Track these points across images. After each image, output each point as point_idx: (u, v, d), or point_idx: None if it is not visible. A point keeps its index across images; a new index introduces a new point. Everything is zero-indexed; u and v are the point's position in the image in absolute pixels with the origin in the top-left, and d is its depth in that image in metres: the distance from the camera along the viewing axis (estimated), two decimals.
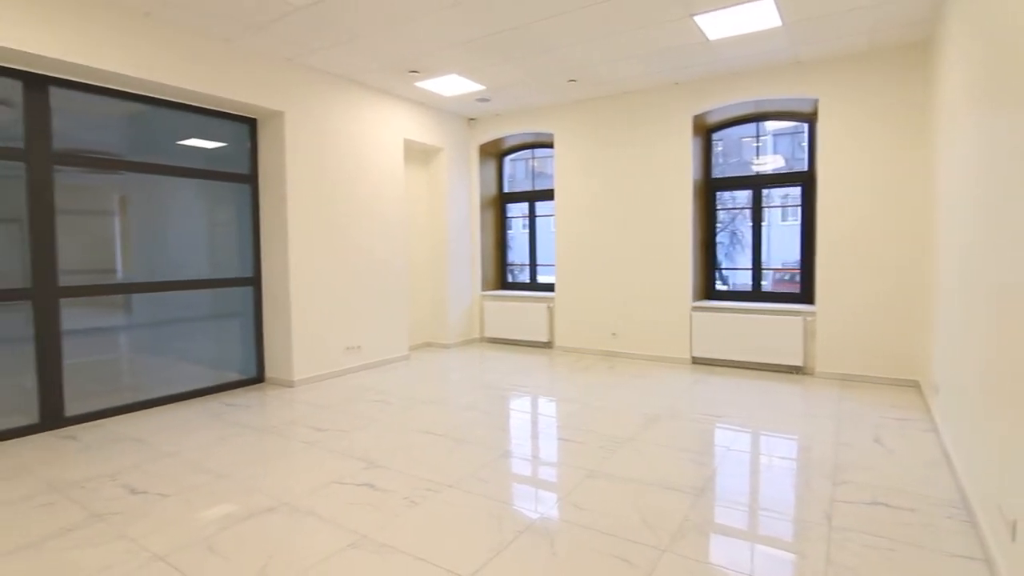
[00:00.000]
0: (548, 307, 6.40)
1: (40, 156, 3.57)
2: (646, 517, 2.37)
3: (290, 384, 4.74)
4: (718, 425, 3.63)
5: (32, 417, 3.57)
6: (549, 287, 6.71)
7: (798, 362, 4.94)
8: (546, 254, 6.76)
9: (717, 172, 5.82)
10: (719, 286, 5.93)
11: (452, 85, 5.39)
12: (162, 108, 4.20)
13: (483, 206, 6.99)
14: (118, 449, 3.27)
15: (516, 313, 6.61)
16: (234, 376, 4.77)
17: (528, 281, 7.04)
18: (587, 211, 6.10)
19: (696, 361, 5.49)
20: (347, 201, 5.22)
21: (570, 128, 6.15)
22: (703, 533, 2.25)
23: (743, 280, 6.05)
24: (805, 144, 5.40)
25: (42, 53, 3.28)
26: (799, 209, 5.32)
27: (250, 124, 4.80)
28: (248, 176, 4.82)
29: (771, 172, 5.93)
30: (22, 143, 3.50)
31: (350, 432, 3.54)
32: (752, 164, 6.46)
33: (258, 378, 4.91)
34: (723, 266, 6.15)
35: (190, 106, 4.34)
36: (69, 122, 3.73)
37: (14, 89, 3.47)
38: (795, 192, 5.40)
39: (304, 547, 2.16)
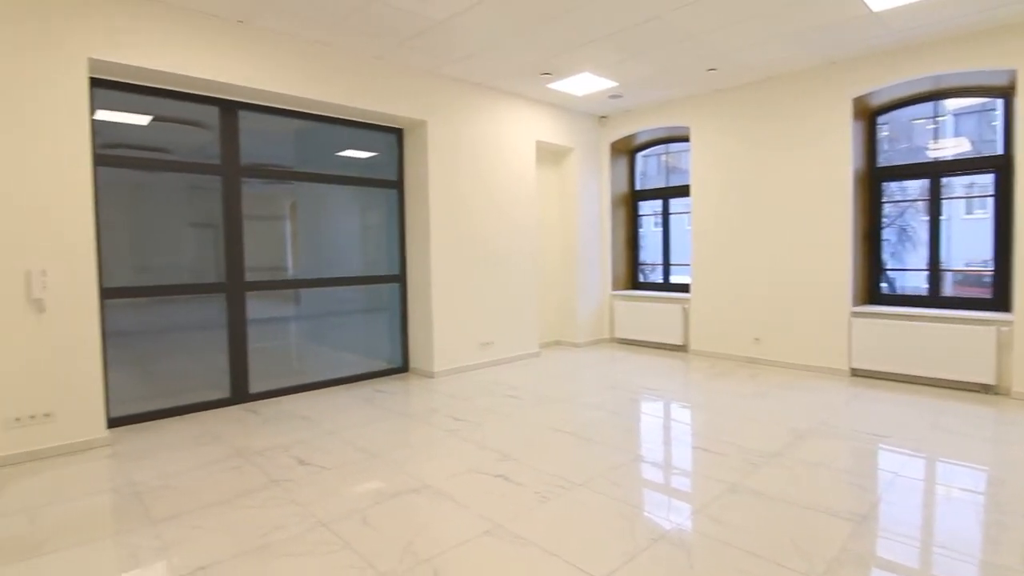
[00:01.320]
0: (683, 308, 6.14)
1: (231, 170, 4.19)
2: (796, 541, 2.18)
3: (431, 375, 5.07)
4: (883, 447, 3.23)
5: (225, 392, 4.21)
6: (683, 287, 6.43)
7: (988, 380, 4.22)
8: (680, 253, 6.49)
9: (883, 160, 5.16)
10: (884, 289, 5.25)
11: (584, 84, 5.39)
12: (324, 123, 4.70)
13: (614, 204, 6.89)
14: (289, 424, 3.74)
15: (648, 314, 6.43)
16: (382, 365, 5.21)
17: (661, 281, 6.81)
18: (727, 207, 5.75)
19: (856, 373, 4.93)
20: (482, 203, 5.45)
21: (708, 120, 5.84)
22: (865, 566, 2.01)
23: (915, 283, 5.31)
24: (998, 123, 4.59)
25: (235, 82, 3.84)
26: (990, 200, 4.54)
27: (397, 134, 5.21)
28: (395, 182, 5.23)
29: (953, 158, 5.11)
30: (218, 159, 4.13)
31: (484, 424, 3.70)
32: (927, 149, 5.63)
33: (403, 368, 5.31)
34: (889, 267, 5.43)
35: (347, 120, 4.81)
36: (252, 140, 4.33)
37: (212, 114, 4.10)
38: (985, 180, 4.61)
39: (444, 529, 2.30)
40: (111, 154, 3.68)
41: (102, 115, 3.64)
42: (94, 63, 3.34)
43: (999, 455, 3.05)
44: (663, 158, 7.12)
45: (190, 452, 3.23)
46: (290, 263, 4.74)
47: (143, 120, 3.86)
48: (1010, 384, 4.17)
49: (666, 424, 3.76)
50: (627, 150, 7.01)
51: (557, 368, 5.46)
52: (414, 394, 4.54)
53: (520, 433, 3.51)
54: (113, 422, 3.63)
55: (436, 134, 5.04)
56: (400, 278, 5.30)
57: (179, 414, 3.95)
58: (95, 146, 3.48)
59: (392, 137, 5.20)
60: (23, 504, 2.58)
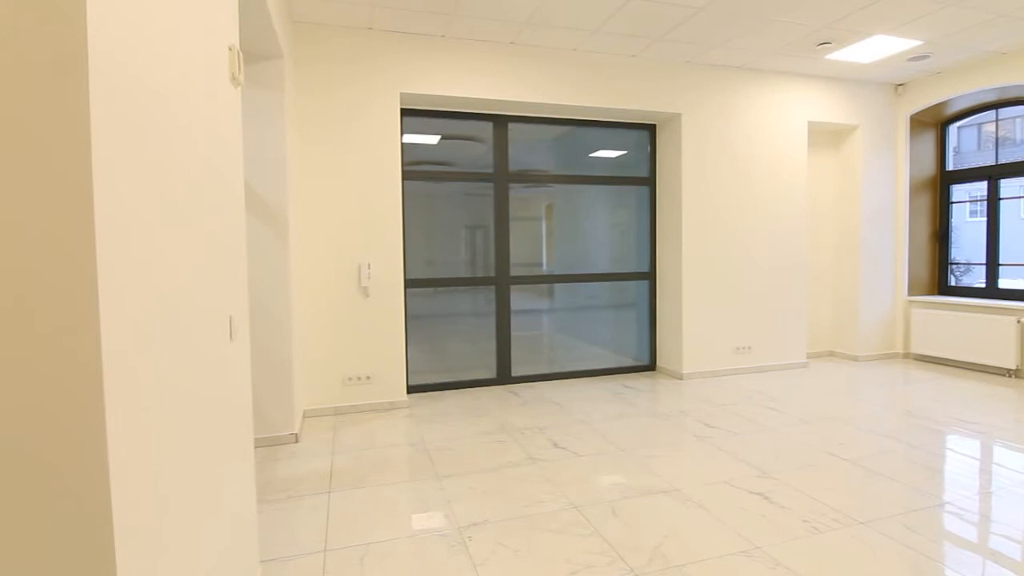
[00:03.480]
0: (1018, 321, 4.74)
1: (501, 177, 4.69)
2: None
3: (679, 376, 4.92)
4: None
5: (491, 373, 4.77)
6: (1018, 294, 4.96)
7: None
8: (1013, 250, 5.01)
9: None
10: None
11: (875, 48, 4.54)
12: (577, 127, 4.93)
13: (913, 190, 5.67)
14: (544, 408, 4.05)
15: (962, 326, 5.14)
16: (629, 361, 5.26)
17: (982, 285, 5.37)
18: None
19: None
20: (740, 196, 5.05)
21: None
22: None
23: None
24: None
25: (506, 98, 4.30)
26: None
27: (649, 130, 5.16)
28: (647, 179, 5.20)
29: None
30: (490, 168, 4.68)
31: (741, 435, 3.44)
32: None
33: (650, 366, 5.27)
34: None
35: (601, 121, 4.95)
36: (516, 148, 4.78)
37: (486, 128, 4.66)
38: None
39: (696, 538, 2.22)
40: (413, 170, 4.48)
41: (407, 138, 4.45)
42: (404, 96, 4.11)
43: None
44: (988, 128, 5.58)
45: (466, 422, 3.75)
46: (545, 259, 5.11)
47: (434, 139, 4.59)
48: None
49: (985, 467, 2.96)
50: (934, 122, 5.69)
51: (830, 383, 4.76)
52: (662, 393, 4.47)
53: (783, 451, 3.17)
54: (410, 389, 4.44)
55: (690, 126, 4.84)
56: (650, 275, 5.26)
57: (456, 388, 4.62)
58: (402, 163, 4.28)
59: (644, 134, 5.18)
60: (352, 445, 3.33)
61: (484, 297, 4.78)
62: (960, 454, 3.13)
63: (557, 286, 5.12)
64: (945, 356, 5.28)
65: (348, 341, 3.99)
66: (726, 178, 4.99)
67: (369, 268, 3.99)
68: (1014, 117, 5.21)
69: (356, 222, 3.97)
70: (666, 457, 3.10)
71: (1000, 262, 5.23)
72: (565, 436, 3.44)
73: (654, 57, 4.67)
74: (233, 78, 1.73)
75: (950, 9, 3.84)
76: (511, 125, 4.70)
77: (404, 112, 4.35)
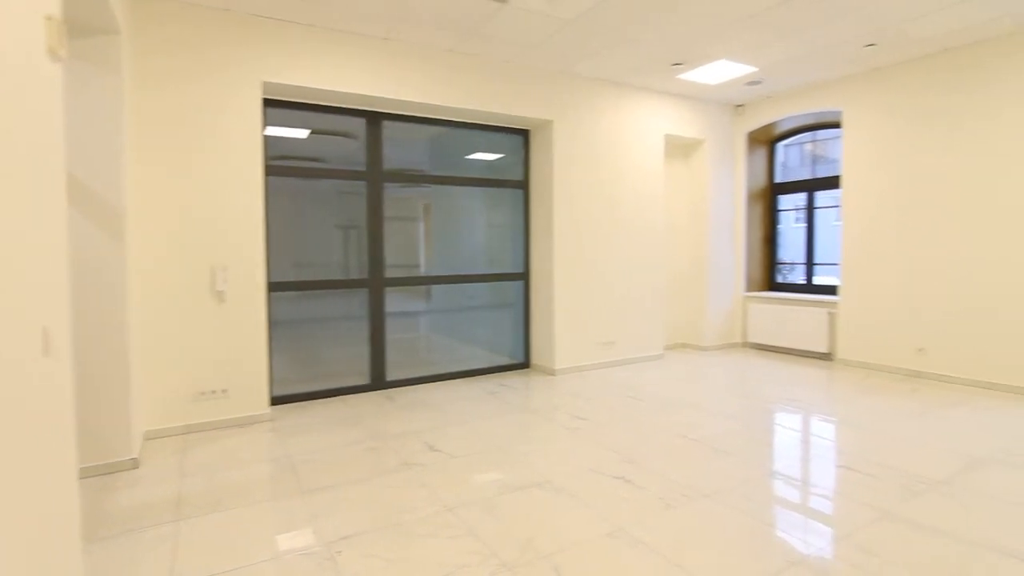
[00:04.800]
0: (828, 312, 5.57)
1: (375, 175, 4.55)
2: None
3: (552, 372, 5.12)
4: None
5: (365, 379, 4.60)
6: (829, 289, 5.83)
7: None
8: (825, 251, 5.89)
9: None
10: None
11: (719, 72, 5.08)
12: (456, 128, 4.94)
13: (750, 199, 6.43)
14: (420, 412, 3.99)
15: (787, 318, 5.92)
16: (505, 360, 5.37)
17: (802, 282, 6.24)
18: (887, 198, 5.10)
19: None
20: (607, 200, 5.38)
21: (864, 102, 5.22)
22: None
23: None
24: None
25: (381, 94, 4.18)
26: None
27: (524, 135, 5.32)
28: (522, 182, 5.35)
29: None
30: (364, 166, 4.52)
31: (606, 425, 3.66)
32: None
33: (525, 364, 5.43)
34: None
35: (477, 124, 5.01)
36: (392, 147, 4.67)
37: (359, 125, 4.49)
38: None
39: (566, 526, 2.32)
40: (278, 165, 4.19)
41: (271, 131, 4.15)
42: (267, 85, 3.83)
43: None
44: (808, 147, 6.51)
45: (336, 432, 3.58)
46: (422, 260, 5.05)
47: (303, 133, 4.33)
48: None
49: (806, 439, 3.44)
50: (766, 140, 6.50)
51: (683, 372, 5.23)
52: (536, 390, 4.62)
53: (644, 437, 3.42)
54: (274, 400, 4.14)
55: (562, 133, 5.07)
56: (524, 276, 5.41)
57: (326, 396, 4.39)
58: (266, 158, 3.98)
59: (519, 138, 5.32)
60: (204, 466, 3.03)
61: (358, 300, 4.60)
62: (786, 428, 3.60)
63: (435, 287, 5.09)
64: (774, 344, 6.05)
65: (200, 352, 3.62)
66: (594, 184, 5.29)
67: (225, 271, 3.66)
68: (827, 139, 6.11)
69: (210, 221, 3.62)
70: (539, 451, 3.21)
71: (816, 262, 6.11)
72: (441, 439, 3.43)
73: (527, 64, 4.82)
74: (52, 52, 1.50)
75: (775, 43, 4.41)
76: (386, 123, 4.58)
77: (268, 103, 4.05)
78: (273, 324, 4.15)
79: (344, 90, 4.05)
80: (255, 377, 3.79)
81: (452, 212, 5.20)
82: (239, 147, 3.70)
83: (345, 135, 4.50)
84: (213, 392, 3.66)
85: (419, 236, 5.05)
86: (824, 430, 3.57)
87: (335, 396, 4.42)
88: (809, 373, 5.11)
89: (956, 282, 4.63)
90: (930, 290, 4.80)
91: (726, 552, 2.11)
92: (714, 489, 2.66)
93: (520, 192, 5.37)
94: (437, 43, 4.31)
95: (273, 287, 4.13)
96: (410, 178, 4.84)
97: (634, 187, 5.56)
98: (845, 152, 5.42)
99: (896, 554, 2.08)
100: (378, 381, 4.63)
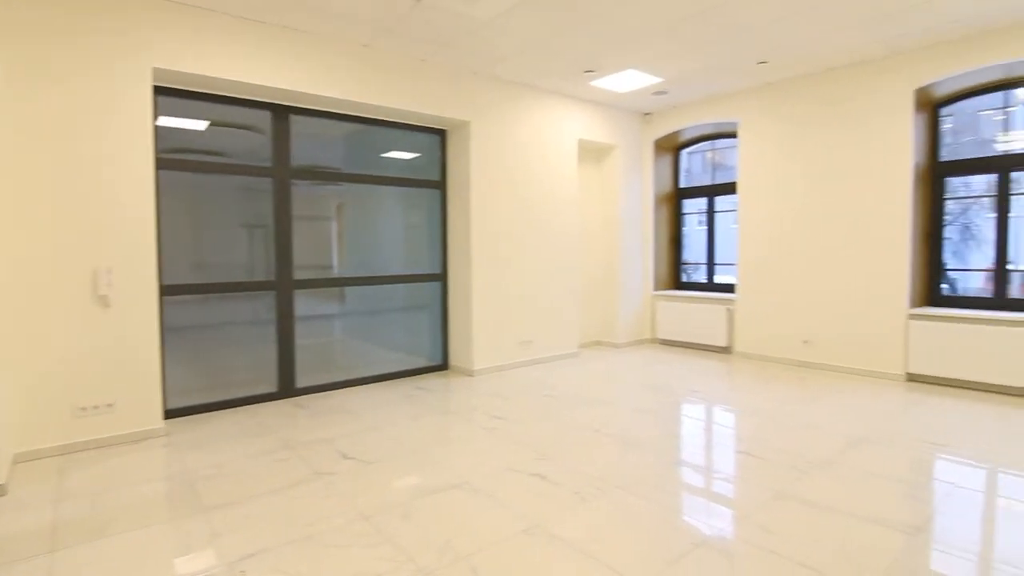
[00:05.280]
0: (727, 309, 5.98)
1: (282, 172, 4.33)
2: (845, 550, 2.09)
3: (470, 373, 5.11)
4: (941, 456, 3.06)
5: (273, 386, 4.36)
6: (728, 287, 6.26)
7: None
8: (725, 252, 6.32)
9: (946, 154, 4.89)
10: (945, 290, 4.97)
11: (628, 81, 5.31)
12: (371, 126, 4.81)
13: (657, 203, 6.78)
14: (333, 419, 3.84)
15: (691, 314, 6.29)
16: (423, 362, 5.29)
17: (705, 281, 6.65)
18: (776, 204, 5.56)
19: (913, 378, 4.69)
20: (524, 202, 5.46)
21: (757, 115, 5.66)
22: None
23: (979, 284, 5.01)
24: None
25: (287, 87, 3.98)
26: None
27: (441, 135, 5.27)
28: (438, 182, 5.30)
29: None
30: (270, 162, 4.28)
31: (524, 423, 3.70)
32: (996, 142, 5.29)
33: (443, 365, 5.38)
34: (951, 267, 5.13)
35: (393, 122, 4.90)
36: (302, 143, 4.46)
37: (265, 118, 4.26)
38: None
39: (483, 526, 2.32)
40: (172, 158, 3.87)
41: (164, 121, 3.83)
42: (158, 72, 3.53)
43: None
44: (709, 155, 6.95)
45: (241, 443, 3.36)
46: (336, 262, 4.87)
47: (201, 125, 4.04)
48: None
49: (709, 428, 3.68)
50: (671, 147, 6.87)
51: (597, 369, 5.41)
52: (454, 392, 4.59)
53: (559, 433, 3.50)
54: (169, 413, 3.82)
55: (479, 134, 5.07)
56: (441, 277, 5.36)
57: (230, 407, 4.12)
58: (157, 151, 3.66)
59: (436, 138, 5.27)
60: (87, 489, 2.74)
61: (265, 304, 4.35)
62: (691, 418, 3.83)
63: (349, 289, 4.91)
64: (680, 339, 6.41)
65: (80, 362, 3.26)
66: (510, 185, 5.34)
67: (110, 273, 3.32)
68: (726, 148, 6.55)
69: (91, 219, 3.27)
70: (457, 452, 3.19)
71: (716, 262, 6.54)
72: (356, 445, 3.32)
73: (445, 63, 4.78)
74: None
75: (677, 56, 4.67)
76: (295, 118, 4.37)
77: (161, 91, 3.73)
78: (168, 330, 3.83)
79: (248, 80, 3.82)
80: (146, 389, 3.47)
81: (367, 212, 5.06)
82: (124, 137, 3.37)
83: (250, 128, 4.25)
84: (96, 407, 3.31)
85: (332, 236, 4.86)
86: (725, 419, 3.83)
87: (240, 406, 4.15)
88: (711, 366, 5.46)
89: (834, 280, 5.13)
90: (810, 288, 5.28)
91: (637, 539, 2.20)
92: (626, 480, 2.77)
93: (437, 192, 5.32)
94: (350, 37, 4.18)
95: (167, 290, 3.81)
96: (321, 176, 4.65)
97: (550, 189, 5.68)
98: (740, 160, 5.85)
99: (788, 530, 2.26)
100: (287, 388, 4.40)
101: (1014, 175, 4.51)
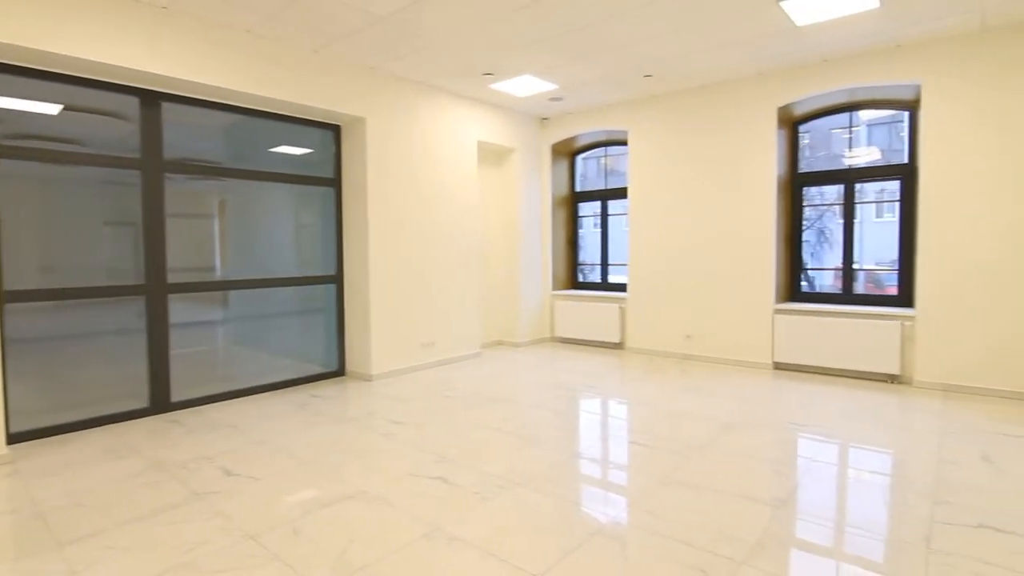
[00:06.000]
0: (620, 307, 6.30)
1: (153, 165, 3.94)
2: (723, 527, 2.28)
3: (368, 378, 4.96)
4: (802, 435, 3.43)
5: (143, 402, 3.95)
6: (621, 287, 6.60)
7: (894, 370, 4.57)
8: (618, 253, 6.66)
9: (804, 166, 5.49)
10: (804, 287, 5.59)
11: (525, 86, 5.43)
12: (257, 118, 4.51)
13: (555, 205, 6.98)
14: (216, 434, 3.55)
15: (587, 313, 6.55)
16: (317, 369, 5.05)
17: (599, 281, 6.96)
18: (662, 209, 5.95)
19: (778, 367, 5.21)
20: (423, 202, 5.39)
21: (645, 124, 6.02)
22: (784, 547, 2.13)
23: (831, 281, 5.67)
24: (905, 134, 4.98)
25: (157, 71, 3.62)
26: (897, 205, 4.92)
27: (334, 130, 5.06)
28: (332, 180, 5.08)
29: (865, 165, 5.52)
30: (138, 153, 3.88)
31: (424, 426, 3.65)
32: (843, 157, 6.03)
33: (339, 371, 5.17)
34: (809, 266, 5.78)
35: (282, 115, 4.63)
36: (178, 133, 4.09)
37: (131, 105, 3.85)
38: (893, 187, 4.99)
39: (381, 535, 2.25)
40: (14, 145, 3.38)
41: (3, 103, 3.33)
42: None
43: (903, 440, 3.31)
44: (602, 160, 7.28)
45: (102, 467, 3.01)
46: (218, 263, 4.51)
47: (52, 109, 3.56)
48: (912, 374, 4.54)
49: (603, 421, 3.85)
50: (568, 152, 7.12)
51: (498, 368, 5.47)
52: (351, 398, 4.43)
53: (460, 434, 3.49)
54: (14, 438, 3.33)
55: (376, 131, 4.93)
56: (337, 278, 5.15)
57: (90, 427, 3.67)
58: None
59: (329, 134, 5.05)
60: None
61: (134, 310, 3.93)
62: (587, 412, 3.98)
63: (234, 293, 4.57)
64: (577, 337, 6.66)
65: None
66: (409, 184, 5.25)
67: None
68: (619, 154, 6.89)
69: None
70: (353, 461, 3.07)
71: (610, 263, 6.87)
72: (241, 461, 3.09)
73: (339, 57, 4.59)
74: None
75: (570, 65, 4.85)
76: (167, 105, 3.98)
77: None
78: (13, 342, 3.34)
79: (113, 63, 3.42)
80: None
81: (254, 210, 4.73)
82: None
83: (113, 115, 3.81)
84: None
85: (214, 236, 4.50)
86: (617, 411, 4.03)
87: (103, 425, 3.72)
88: (606, 361, 5.72)
89: (711, 279, 5.58)
90: (690, 287, 5.71)
91: (536, 534, 2.25)
92: (525, 477, 2.82)
93: (331, 190, 5.10)
94: (231, 22, 3.89)
95: (9, 297, 3.32)
96: (199, 170, 4.29)
97: (451, 190, 5.65)
98: (630, 167, 6.19)
99: (672, 512, 2.42)
100: (160, 404, 4.01)
101: (858, 186, 5.17)
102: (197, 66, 3.81)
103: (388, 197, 5.05)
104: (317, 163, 5.03)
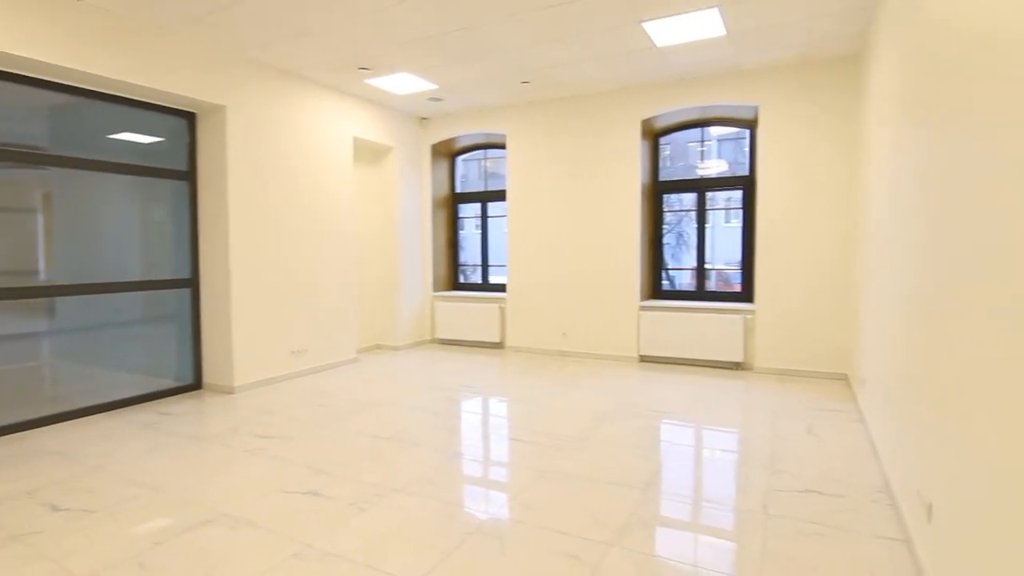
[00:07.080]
0: (500, 308, 6.41)
1: None
2: (595, 513, 2.40)
3: (230, 390, 4.55)
4: (664, 421, 3.73)
5: None
6: (501, 287, 6.72)
7: (738, 358, 5.14)
8: (498, 254, 6.77)
9: (664, 175, 5.99)
10: (665, 286, 6.10)
11: (404, 83, 5.32)
12: (93, 100, 3.94)
13: (435, 206, 6.93)
14: (39, 464, 3.05)
15: (467, 314, 6.58)
16: (168, 383, 4.53)
17: (480, 282, 7.03)
18: (538, 212, 6.15)
19: (644, 359, 5.63)
20: (292, 200, 5.06)
21: (522, 129, 6.18)
22: (649, 526, 2.30)
23: (688, 280, 6.24)
24: (747, 149, 5.63)
25: None
26: (740, 212, 5.54)
27: (188, 118, 4.58)
28: (185, 173, 4.60)
29: (715, 176, 6.16)
30: None
31: (295, 439, 3.44)
32: (697, 168, 6.67)
33: (195, 384, 4.68)
34: (670, 266, 6.33)
35: (124, 98, 4.09)
36: None
37: None
38: (737, 195, 5.62)
39: (244, 559, 2.08)
40: None
41: None
42: None
43: (745, 420, 3.73)
44: (483, 163, 7.35)
45: None
46: (43, 265, 3.89)
47: None
48: (753, 361, 5.14)
49: (484, 419, 3.89)
50: (448, 153, 7.10)
51: (376, 372, 5.31)
52: (209, 413, 4.04)
53: (334, 444, 3.33)
54: None
55: (237, 122, 4.54)
56: (191, 282, 4.66)
57: None
58: None
59: (182, 122, 4.56)
60: None
61: None
62: (467, 412, 4.00)
63: (63, 301, 3.95)
64: (458, 338, 6.67)
65: None
66: (277, 180, 4.91)
67: None
68: (498, 157, 7.00)
69: None
70: (213, 483, 2.81)
71: (490, 263, 6.96)
72: (71, 493, 2.68)
73: (195, 38, 4.16)
74: None
75: (448, 67, 4.84)
76: None
77: None
78: None
79: None
80: None
81: (89, 204, 4.13)
82: None
83: None
84: None
85: (37, 233, 3.88)
86: (497, 409, 4.09)
87: None
88: (486, 361, 5.79)
89: (584, 278, 5.89)
90: (565, 286, 5.98)
91: (415, 539, 2.21)
92: (404, 482, 2.76)
93: (184, 184, 4.61)
94: None
95: None
96: (15, 156, 3.66)
97: (323, 187, 5.38)
98: (508, 170, 6.33)
99: (548, 503, 2.51)
100: None
101: (709, 194, 5.74)
102: (15, 37, 3.24)
103: (253, 193, 4.68)
104: (167, 153, 4.52)
